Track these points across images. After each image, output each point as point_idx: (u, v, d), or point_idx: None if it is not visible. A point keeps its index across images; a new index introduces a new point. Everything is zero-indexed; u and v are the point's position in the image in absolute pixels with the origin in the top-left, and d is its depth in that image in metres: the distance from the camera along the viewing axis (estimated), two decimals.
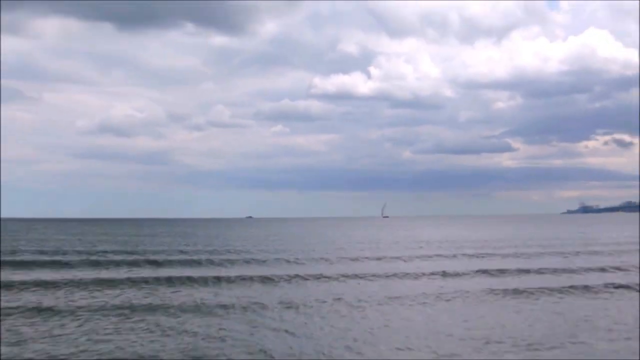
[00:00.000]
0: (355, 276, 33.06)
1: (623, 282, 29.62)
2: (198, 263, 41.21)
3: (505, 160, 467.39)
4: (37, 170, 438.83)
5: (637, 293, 26.56)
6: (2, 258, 41.45)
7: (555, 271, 35.36)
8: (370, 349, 16.83)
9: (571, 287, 27.99)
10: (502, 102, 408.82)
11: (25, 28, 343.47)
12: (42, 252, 49.41)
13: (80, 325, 19.74)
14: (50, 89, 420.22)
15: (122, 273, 34.70)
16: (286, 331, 19.08)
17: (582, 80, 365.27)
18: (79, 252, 49.52)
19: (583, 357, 15.77)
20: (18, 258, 43.62)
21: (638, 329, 18.74)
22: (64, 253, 49.06)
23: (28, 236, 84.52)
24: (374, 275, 33.50)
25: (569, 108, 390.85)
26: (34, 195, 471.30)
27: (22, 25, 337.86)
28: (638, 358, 15.17)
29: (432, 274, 34.38)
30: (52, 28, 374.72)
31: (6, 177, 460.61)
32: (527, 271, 35.36)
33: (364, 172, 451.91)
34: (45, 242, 65.27)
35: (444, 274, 34.02)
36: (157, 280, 31.10)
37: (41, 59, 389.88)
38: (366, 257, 45.46)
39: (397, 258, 44.75)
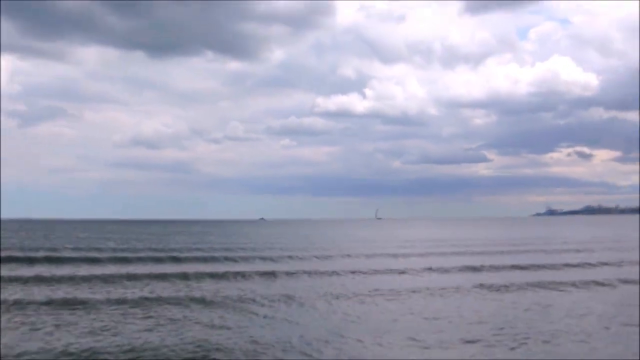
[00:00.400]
0: (358, 271, 31.75)
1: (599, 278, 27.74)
2: (233, 259, 39.70)
3: (482, 170, 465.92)
4: (78, 177, 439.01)
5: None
6: (42, 254, 40.10)
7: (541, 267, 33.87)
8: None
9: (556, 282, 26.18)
10: (479, 119, 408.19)
11: (69, 55, 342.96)
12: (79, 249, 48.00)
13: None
14: (90, 108, 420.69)
15: (149, 268, 33.02)
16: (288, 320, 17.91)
17: (548, 101, 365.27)
18: (114, 249, 47.97)
19: (583, 355, 14.04)
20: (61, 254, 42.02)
21: None
22: (99, 250, 47.45)
23: (71, 234, 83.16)
24: (374, 271, 32.12)
25: (536, 124, 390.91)
26: (75, 199, 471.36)
27: (66, 53, 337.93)
28: (638, 358, 13.65)
29: (424, 269, 33.12)
30: (92, 55, 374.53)
31: (52, 183, 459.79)
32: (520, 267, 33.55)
33: (360, 180, 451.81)
34: (82, 241, 63.79)
35: (431, 269, 32.66)
36: (183, 275, 29.56)
37: (82, 82, 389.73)
38: (368, 254, 44.05)
39: (392, 254, 43.32)
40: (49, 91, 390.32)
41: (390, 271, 31.52)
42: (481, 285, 24.76)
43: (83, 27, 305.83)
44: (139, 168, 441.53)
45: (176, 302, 20.82)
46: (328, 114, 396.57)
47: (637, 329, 16.19)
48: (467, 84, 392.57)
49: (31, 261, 35.30)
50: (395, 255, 41.83)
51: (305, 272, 30.58)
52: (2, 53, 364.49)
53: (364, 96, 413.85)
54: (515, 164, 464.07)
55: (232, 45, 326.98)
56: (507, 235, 78.65)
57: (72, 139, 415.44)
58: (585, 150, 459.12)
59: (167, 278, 27.85)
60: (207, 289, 24.40)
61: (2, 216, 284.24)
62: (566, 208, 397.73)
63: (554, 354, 13.89)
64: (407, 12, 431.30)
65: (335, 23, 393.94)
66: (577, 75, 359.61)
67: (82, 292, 23.20)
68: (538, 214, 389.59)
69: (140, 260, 38.23)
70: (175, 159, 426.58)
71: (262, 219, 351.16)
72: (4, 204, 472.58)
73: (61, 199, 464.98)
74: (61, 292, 23.34)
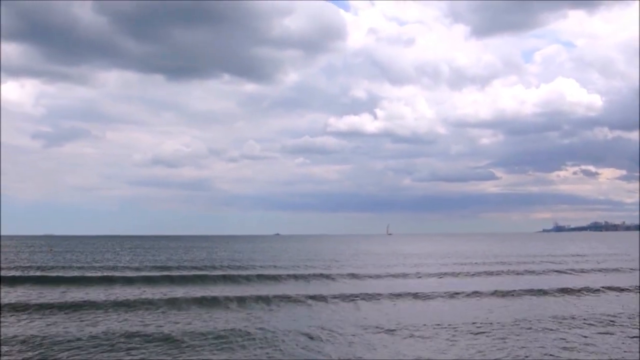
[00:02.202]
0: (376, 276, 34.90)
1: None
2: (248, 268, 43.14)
3: (489, 187, 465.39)
4: (101, 195, 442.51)
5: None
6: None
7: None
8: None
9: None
10: (487, 139, 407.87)
11: (92, 79, 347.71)
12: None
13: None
14: (112, 128, 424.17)
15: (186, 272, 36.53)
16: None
17: (553, 121, 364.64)
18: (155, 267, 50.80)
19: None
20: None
21: None
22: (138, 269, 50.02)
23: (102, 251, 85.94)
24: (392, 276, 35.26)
25: (542, 143, 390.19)
26: (98, 216, 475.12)
27: (89, 76, 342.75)
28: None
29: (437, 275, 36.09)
30: (113, 79, 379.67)
31: (75, 201, 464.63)
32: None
33: (371, 197, 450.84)
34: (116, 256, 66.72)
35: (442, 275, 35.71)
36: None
37: (104, 104, 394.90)
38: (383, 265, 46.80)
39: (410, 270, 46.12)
40: (73, 113, 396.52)
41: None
42: None
43: (105, 52, 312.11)
44: (159, 186, 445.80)
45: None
46: (340, 134, 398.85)
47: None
48: (474, 104, 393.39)
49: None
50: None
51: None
52: (28, 78, 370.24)
53: (374, 116, 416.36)
54: (522, 182, 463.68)
55: (247, 68, 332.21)
56: (538, 251, 73.88)
57: (95, 159, 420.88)
58: (591, 168, 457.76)
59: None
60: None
61: (26, 233, 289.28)
62: (573, 224, 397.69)
63: None
64: (415, 35, 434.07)
65: (346, 46, 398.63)
66: (582, 96, 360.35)
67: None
68: (545, 230, 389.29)
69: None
70: (193, 177, 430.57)
71: (277, 234, 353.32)
72: (30, 222, 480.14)
73: (84, 216, 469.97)
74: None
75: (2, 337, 16.32)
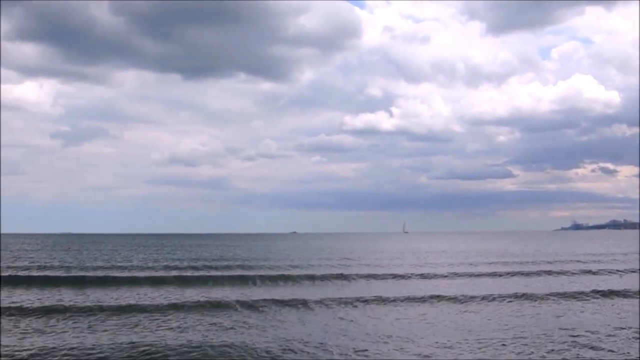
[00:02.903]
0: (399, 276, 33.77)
1: None
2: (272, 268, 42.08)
3: (507, 185, 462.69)
4: (119, 194, 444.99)
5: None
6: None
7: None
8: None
9: None
10: (503, 136, 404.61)
11: (109, 79, 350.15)
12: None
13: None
14: (130, 128, 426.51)
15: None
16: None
17: (571, 118, 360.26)
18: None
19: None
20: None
21: None
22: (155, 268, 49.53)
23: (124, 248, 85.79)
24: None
25: (560, 141, 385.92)
26: (116, 214, 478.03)
27: (106, 76, 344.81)
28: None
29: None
30: (131, 78, 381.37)
31: (93, 200, 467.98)
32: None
33: (388, 195, 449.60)
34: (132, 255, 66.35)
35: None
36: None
37: (122, 103, 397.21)
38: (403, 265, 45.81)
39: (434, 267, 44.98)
40: (91, 113, 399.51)
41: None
42: None
43: (122, 52, 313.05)
44: (176, 185, 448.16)
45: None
46: (356, 132, 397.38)
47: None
48: (490, 102, 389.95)
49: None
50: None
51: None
52: (46, 78, 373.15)
53: (390, 114, 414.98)
54: (539, 180, 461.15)
55: (264, 67, 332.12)
56: (563, 250, 72.02)
57: (113, 158, 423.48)
58: (609, 166, 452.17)
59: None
60: None
61: (46, 231, 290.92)
62: (591, 222, 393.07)
63: None
64: (430, 33, 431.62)
65: (362, 44, 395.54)
66: (600, 93, 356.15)
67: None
68: (564, 228, 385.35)
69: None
70: (210, 176, 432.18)
71: (294, 232, 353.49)
72: (49, 220, 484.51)
73: (102, 214, 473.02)
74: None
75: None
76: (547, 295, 24.66)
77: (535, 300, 23.50)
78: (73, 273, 36.29)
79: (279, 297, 23.84)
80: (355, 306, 21.96)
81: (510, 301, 23.34)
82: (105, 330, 17.20)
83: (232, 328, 17.60)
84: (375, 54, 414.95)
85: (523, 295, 24.59)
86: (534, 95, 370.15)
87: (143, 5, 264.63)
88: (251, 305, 21.64)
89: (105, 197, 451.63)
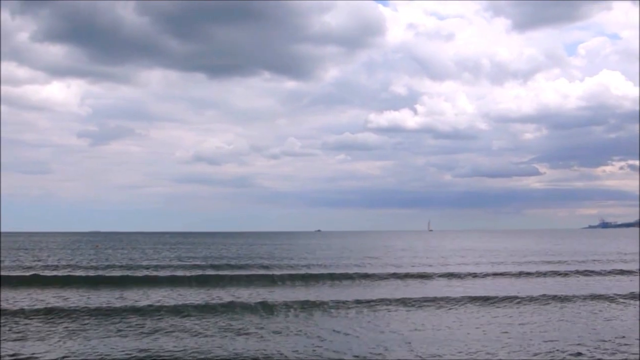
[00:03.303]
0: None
1: None
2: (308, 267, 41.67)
3: (533, 183, 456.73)
4: (146, 192, 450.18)
5: None
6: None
7: None
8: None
9: None
10: (529, 134, 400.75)
11: (135, 78, 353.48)
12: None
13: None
14: (156, 127, 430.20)
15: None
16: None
17: (598, 115, 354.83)
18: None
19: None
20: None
21: None
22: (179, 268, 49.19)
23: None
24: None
25: (587, 138, 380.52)
26: (143, 213, 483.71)
27: (132, 76, 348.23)
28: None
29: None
30: (156, 78, 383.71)
31: (122, 199, 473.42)
32: None
33: (412, 193, 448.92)
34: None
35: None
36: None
37: (148, 103, 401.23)
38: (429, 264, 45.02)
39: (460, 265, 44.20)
40: (117, 112, 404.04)
41: None
42: None
43: (147, 52, 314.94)
44: (201, 183, 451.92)
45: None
46: (381, 130, 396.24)
47: None
48: (516, 99, 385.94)
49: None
50: None
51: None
52: (74, 78, 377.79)
53: (415, 112, 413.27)
54: (566, 177, 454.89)
55: (288, 65, 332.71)
56: (595, 249, 69.87)
57: (139, 156, 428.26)
58: (638, 163, 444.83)
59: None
60: None
61: (74, 229, 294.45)
62: (620, 220, 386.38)
63: None
64: (455, 30, 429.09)
65: (386, 42, 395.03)
66: (628, 89, 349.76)
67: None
68: (591, 227, 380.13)
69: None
70: (235, 174, 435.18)
71: (319, 230, 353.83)
72: (77, 218, 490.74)
73: (129, 213, 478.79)
74: None
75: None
76: (585, 297, 23.77)
77: (573, 302, 22.62)
78: (102, 272, 36.06)
79: (343, 297, 23.38)
80: (412, 307, 21.31)
81: (547, 303, 22.39)
82: (142, 334, 16.57)
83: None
84: (399, 52, 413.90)
85: (558, 297, 23.64)
86: (561, 92, 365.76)
87: (168, 5, 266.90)
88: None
89: (132, 195, 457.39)
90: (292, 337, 16.19)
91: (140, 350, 14.41)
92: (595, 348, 14.70)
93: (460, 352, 14.34)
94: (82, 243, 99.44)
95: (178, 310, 20.10)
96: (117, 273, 35.21)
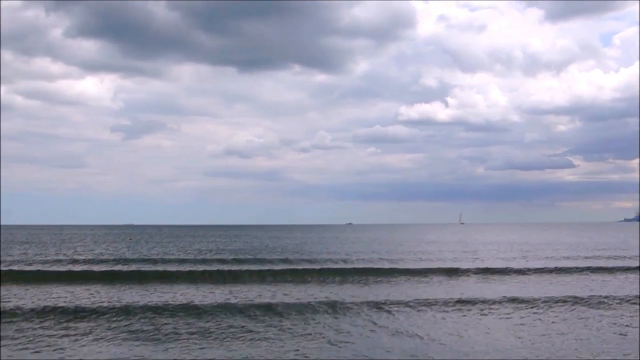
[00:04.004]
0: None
1: None
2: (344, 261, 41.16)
3: (567, 175, 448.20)
4: (177, 186, 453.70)
5: None
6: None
7: None
8: None
9: None
10: (563, 126, 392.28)
11: (166, 73, 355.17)
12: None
13: None
14: (187, 121, 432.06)
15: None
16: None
17: (634, 106, 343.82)
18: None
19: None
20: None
21: None
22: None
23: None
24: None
25: (622, 130, 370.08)
26: (176, 206, 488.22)
27: (163, 70, 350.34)
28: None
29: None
30: (187, 72, 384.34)
31: (155, 193, 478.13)
32: None
33: (444, 186, 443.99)
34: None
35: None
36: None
37: (180, 97, 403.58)
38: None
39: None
40: (150, 106, 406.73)
41: None
42: None
43: (178, 47, 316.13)
44: (232, 176, 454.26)
45: None
46: (411, 122, 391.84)
47: None
48: (549, 90, 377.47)
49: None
50: None
51: None
52: (107, 73, 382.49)
53: (446, 104, 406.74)
54: (601, 170, 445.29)
55: (318, 59, 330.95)
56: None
57: (171, 150, 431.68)
58: None
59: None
60: None
61: (107, 222, 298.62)
62: None
63: None
64: (487, 21, 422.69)
65: (416, 34, 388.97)
66: None
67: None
68: (627, 220, 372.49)
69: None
70: (266, 168, 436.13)
71: (350, 223, 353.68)
72: (111, 212, 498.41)
73: (162, 206, 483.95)
74: None
75: None
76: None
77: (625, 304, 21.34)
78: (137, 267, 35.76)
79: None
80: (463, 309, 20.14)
81: (595, 305, 21.07)
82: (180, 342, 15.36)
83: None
84: (430, 44, 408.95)
85: (611, 298, 22.46)
86: (595, 83, 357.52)
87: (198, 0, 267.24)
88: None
89: (164, 189, 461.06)
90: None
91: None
92: None
93: None
94: (116, 236, 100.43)
95: (240, 310, 19.22)
96: (159, 267, 35.04)
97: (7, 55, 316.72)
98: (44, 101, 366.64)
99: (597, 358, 13.57)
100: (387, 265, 36.16)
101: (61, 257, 44.04)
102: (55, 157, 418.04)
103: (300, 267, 34.79)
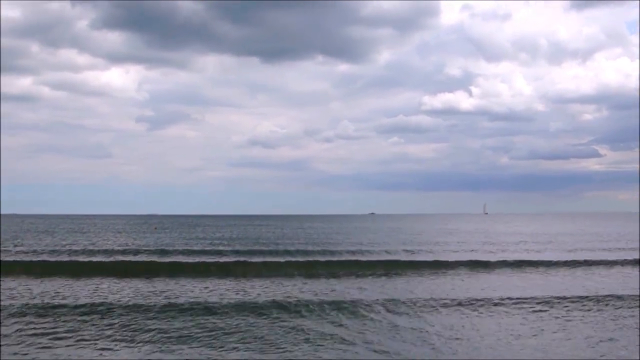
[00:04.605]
0: None
1: None
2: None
3: (592, 165, 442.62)
4: (203, 176, 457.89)
5: None
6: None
7: None
8: None
9: None
10: (589, 115, 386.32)
11: (190, 63, 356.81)
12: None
13: None
14: (211, 111, 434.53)
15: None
16: None
17: None
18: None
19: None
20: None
21: None
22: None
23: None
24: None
25: None
26: (201, 196, 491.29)
27: (188, 61, 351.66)
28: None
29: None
30: (211, 63, 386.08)
31: (180, 182, 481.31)
32: None
33: (468, 176, 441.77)
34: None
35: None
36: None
37: (204, 87, 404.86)
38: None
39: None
40: (174, 97, 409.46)
41: None
42: None
43: (202, 37, 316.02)
44: (256, 167, 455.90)
45: None
46: (435, 112, 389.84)
47: None
48: (575, 79, 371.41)
49: None
50: None
51: None
52: (132, 64, 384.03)
53: (470, 94, 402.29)
54: (628, 159, 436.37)
55: (341, 48, 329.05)
56: None
57: (196, 141, 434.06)
58: None
59: None
60: None
61: (133, 212, 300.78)
62: None
63: None
64: (511, 10, 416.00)
65: (440, 23, 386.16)
66: None
67: None
68: None
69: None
70: (290, 158, 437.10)
71: (373, 213, 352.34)
72: (136, 202, 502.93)
73: (186, 196, 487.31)
74: None
75: None
76: None
77: None
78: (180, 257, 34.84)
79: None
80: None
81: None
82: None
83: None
84: (453, 33, 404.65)
85: None
86: (622, 71, 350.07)
87: None
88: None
89: (189, 179, 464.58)
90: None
91: None
92: None
93: None
94: (140, 225, 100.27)
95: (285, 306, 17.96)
96: (193, 259, 33.94)
97: (33, 47, 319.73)
98: (71, 92, 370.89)
99: None
100: (417, 258, 34.69)
101: (80, 247, 43.32)
102: (82, 148, 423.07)
103: (313, 258, 33.67)
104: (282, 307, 17.79)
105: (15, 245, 43.67)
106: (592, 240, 52.73)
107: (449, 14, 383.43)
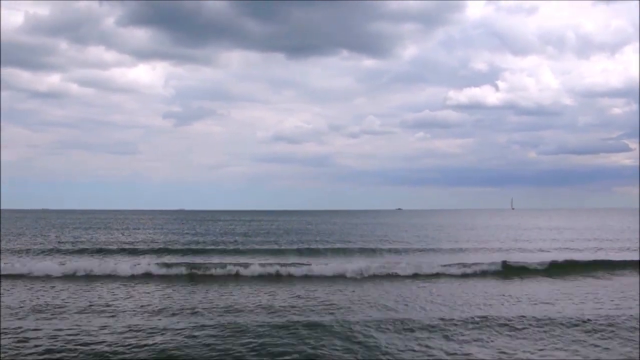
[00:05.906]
0: None
1: None
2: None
3: (622, 160, 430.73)
4: (228, 172, 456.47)
5: None
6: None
7: None
8: None
9: None
10: (618, 108, 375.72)
11: (216, 60, 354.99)
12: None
13: None
14: (236, 107, 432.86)
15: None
16: None
17: None
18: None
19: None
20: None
21: None
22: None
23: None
24: None
25: None
26: (226, 192, 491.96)
27: (213, 57, 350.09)
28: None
29: None
30: (236, 59, 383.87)
31: (206, 178, 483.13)
32: None
33: (494, 171, 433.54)
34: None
35: None
36: None
37: (229, 83, 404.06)
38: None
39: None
40: (200, 93, 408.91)
41: None
42: None
43: (227, 34, 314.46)
44: (281, 162, 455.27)
45: None
46: (460, 107, 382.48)
47: None
48: (603, 73, 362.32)
49: None
50: None
51: None
52: (158, 61, 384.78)
53: (496, 88, 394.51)
54: None
55: (366, 44, 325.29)
56: None
57: (221, 136, 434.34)
58: None
59: None
60: None
61: (160, 207, 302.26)
62: None
63: None
64: (538, 3, 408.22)
65: (465, 18, 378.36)
66: None
67: None
68: None
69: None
70: (315, 153, 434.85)
71: (399, 209, 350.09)
72: (163, 197, 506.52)
73: (213, 191, 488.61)
74: None
75: None
76: None
77: None
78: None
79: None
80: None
81: None
82: None
83: None
84: (479, 27, 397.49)
85: None
86: None
87: None
88: None
89: (215, 174, 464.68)
90: None
91: None
92: None
93: None
94: (167, 220, 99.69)
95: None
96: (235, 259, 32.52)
97: (62, 45, 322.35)
98: (98, 89, 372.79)
99: None
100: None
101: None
102: (110, 144, 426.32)
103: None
104: None
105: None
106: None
107: (474, 8, 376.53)
